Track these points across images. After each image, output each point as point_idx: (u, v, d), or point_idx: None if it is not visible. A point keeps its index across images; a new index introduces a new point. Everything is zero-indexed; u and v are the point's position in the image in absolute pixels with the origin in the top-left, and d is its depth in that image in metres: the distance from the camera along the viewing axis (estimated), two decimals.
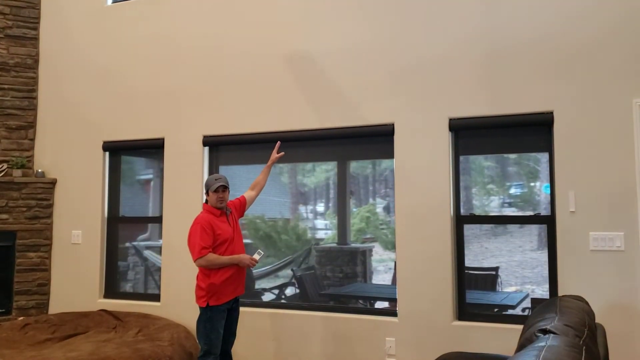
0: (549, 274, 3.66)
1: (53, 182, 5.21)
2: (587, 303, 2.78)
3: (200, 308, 3.51)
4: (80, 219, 5.08)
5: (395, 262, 4.04)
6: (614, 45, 3.51)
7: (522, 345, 2.20)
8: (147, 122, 4.91)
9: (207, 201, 3.64)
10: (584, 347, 1.86)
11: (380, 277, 4.25)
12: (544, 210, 3.74)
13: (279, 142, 4.03)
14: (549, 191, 3.74)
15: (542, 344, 1.81)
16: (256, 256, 3.56)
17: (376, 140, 4.19)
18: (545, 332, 2.10)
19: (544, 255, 3.70)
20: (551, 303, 2.67)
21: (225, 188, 3.60)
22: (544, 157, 3.76)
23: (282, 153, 3.95)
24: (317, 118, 4.30)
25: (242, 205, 3.85)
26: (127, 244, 5.06)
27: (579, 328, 2.15)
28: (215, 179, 3.59)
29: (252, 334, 4.37)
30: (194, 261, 3.49)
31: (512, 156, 3.87)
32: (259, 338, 4.34)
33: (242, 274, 3.65)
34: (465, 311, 3.85)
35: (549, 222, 3.69)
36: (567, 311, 2.41)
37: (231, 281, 3.55)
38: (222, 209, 3.63)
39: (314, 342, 4.17)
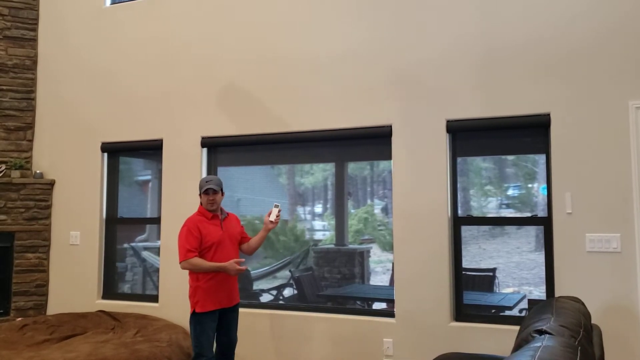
0: (546, 275, 3.67)
1: (51, 183, 5.22)
2: (583, 304, 2.80)
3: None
4: (79, 220, 5.08)
5: (392, 263, 4.05)
6: (610, 47, 3.53)
7: (519, 345, 2.21)
8: (145, 123, 4.92)
9: (201, 203, 3.64)
10: (579, 348, 1.88)
11: (378, 278, 4.27)
12: (542, 212, 3.75)
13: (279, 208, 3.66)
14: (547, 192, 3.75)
15: (538, 344, 1.83)
16: (274, 210, 3.40)
17: (374, 141, 4.20)
18: (541, 332, 2.11)
19: (541, 257, 3.72)
20: (547, 304, 2.68)
21: (215, 191, 3.55)
22: (542, 158, 3.77)
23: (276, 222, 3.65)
24: (315, 119, 4.31)
25: (242, 233, 3.79)
26: (126, 245, 5.07)
27: (575, 329, 2.16)
28: (206, 181, 3.56)
29: (250, 334, 4.37)
30: (179, 263, 3.47)
31: (510, 157, 3.88)
32: (257, 339, 4.35)
33: (231, 281, 3.60)
34: (462, 312, 3.86)
35: (545, 223, 3.70)
36: (563, 312, 2.42)
37: (218, 286, 3.50)
38: (213, 211, 3.59)
39: (312, 343, 4.17)
